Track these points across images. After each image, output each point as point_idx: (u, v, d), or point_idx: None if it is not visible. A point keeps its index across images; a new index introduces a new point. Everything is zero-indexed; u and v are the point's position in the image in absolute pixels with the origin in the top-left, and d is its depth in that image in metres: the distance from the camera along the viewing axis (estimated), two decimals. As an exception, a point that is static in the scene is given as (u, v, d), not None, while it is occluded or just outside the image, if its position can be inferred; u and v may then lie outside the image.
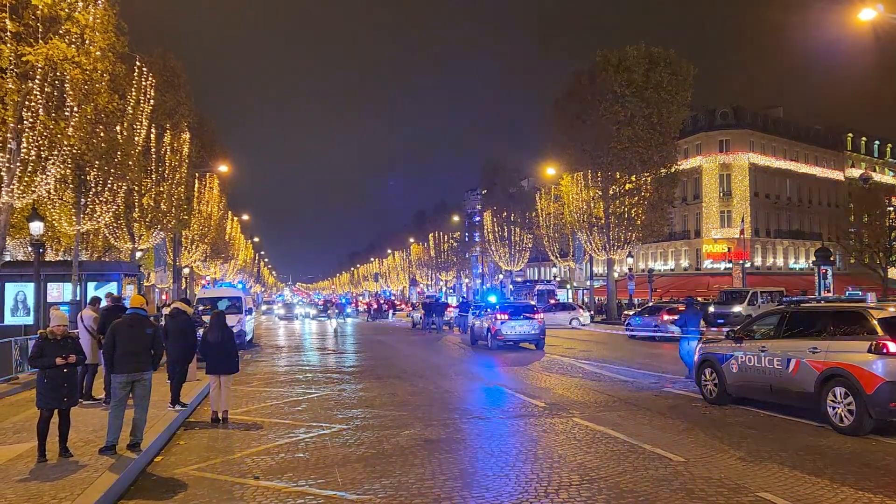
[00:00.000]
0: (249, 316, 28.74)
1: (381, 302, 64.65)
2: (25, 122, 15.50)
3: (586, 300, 53.78)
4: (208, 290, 34.26)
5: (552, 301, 45.57)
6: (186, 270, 44.68)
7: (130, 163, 22.08)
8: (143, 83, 23.00)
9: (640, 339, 26.84)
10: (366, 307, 63.83)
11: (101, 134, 19.07)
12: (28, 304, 21.28)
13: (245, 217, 76.95)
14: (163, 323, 15.67)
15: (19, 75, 15.19)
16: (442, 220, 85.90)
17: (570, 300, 54.81)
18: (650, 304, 36.75)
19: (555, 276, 64.20)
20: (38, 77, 15.34)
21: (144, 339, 8.43)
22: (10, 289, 21.57)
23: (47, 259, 25.64)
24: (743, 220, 51.93)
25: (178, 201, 31.42)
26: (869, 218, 50.93)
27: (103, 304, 12.76)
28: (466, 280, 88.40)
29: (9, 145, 15.52)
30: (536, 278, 76.26)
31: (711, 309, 36.01)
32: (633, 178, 42.26)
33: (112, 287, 22.13)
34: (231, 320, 12.65)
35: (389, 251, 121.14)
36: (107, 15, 16.99)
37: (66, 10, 15.75)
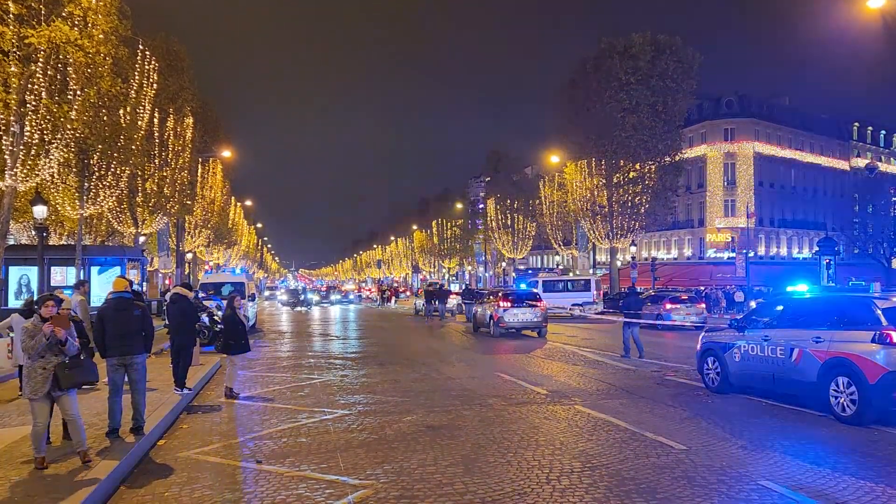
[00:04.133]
0: (252, 302, 28.82)
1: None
2: (28, 105, 15.45)
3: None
4: (211, 275, 34.32)
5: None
6: (189, 255, 44.72)
7: (134, 147, 22.00)
8: (146, 67, 22.88)
9: (642, 328, 26.77)
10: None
11: (105, 118, 18.99)
12: (32, 288, 21.35)
13: (248, 203, 76.93)
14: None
15: (22, 58, 15.13)
16: (445, 207, 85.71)
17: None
18: (651, 292, 36.72)
19: (557, 265, 64.04)
20: (40, 60, 15.26)
21: (133, 321, 8.41)
22: (14, 272, 21.65)
23: (51, 243, 25.67)
24: (748, 208, 51.72)
25: (182, 186, 31.39)
26: (874, 208, 50.78)
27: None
28: (469, 268, 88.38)
29: (12, 128, 15.48)
30: (539, 266, 76.26)
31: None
32: (638, 167, 42.10)
33: (116, 272, 22.21)
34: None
35: (392, 238, 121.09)
36: (110, -3, 16.88)
37: (69, -8, 15.65)
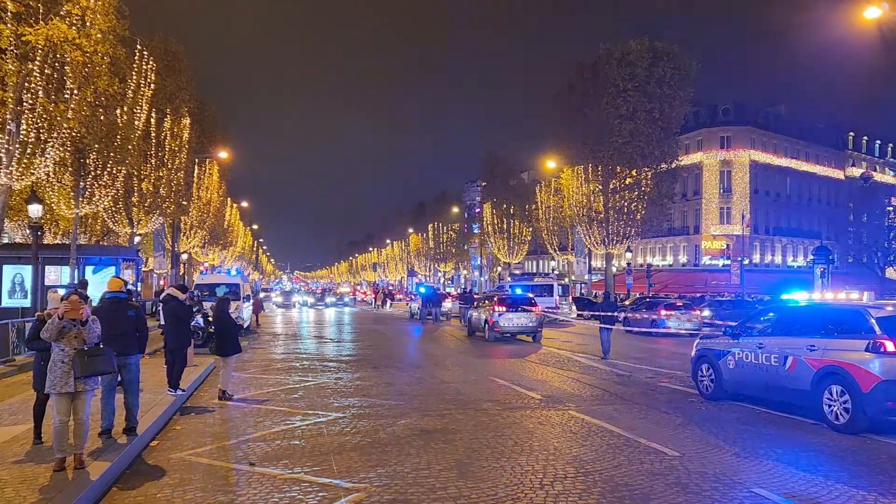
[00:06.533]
0: (247, 303, 28.75)
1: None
2: (25, 103, 15.40)
3: (584, 294, 53.89)
4: (206, 276, 34.20)
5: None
6: (185, 256, 44.60)
7: (130, 147, 21.96)
8: (144, 67, 22.86)
9: (637, 334, 26.88)
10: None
11: (101, 117, 18.95)
12: (25, 287, 21.24)
13: (244, 204, 76.82)
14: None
15: (19, 56, 15.08)
16: (441, 211, 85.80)
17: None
18: (647, 298, 36.82)
19: (553, 270, 64.19)
20: (38, 58, 15.22)
21: (127, 321, 8.44)
22: (8, 271, 21.52)
23: (45, 242, 25.56)
24: (744, 216, 51.91)
25: (178, 187, 31.32)
26: (868, 217, 50.99)
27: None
28: (465, 272, 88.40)
29: (8, 127, 15.43)
30: (535, 271, 76.38)
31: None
32: (634, 173, 42.14)
33: (111, 271, 22.13)
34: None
35: (388, 241, 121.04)
36: (108, -3, 16.86)
37: (68, -9, 15.62)
